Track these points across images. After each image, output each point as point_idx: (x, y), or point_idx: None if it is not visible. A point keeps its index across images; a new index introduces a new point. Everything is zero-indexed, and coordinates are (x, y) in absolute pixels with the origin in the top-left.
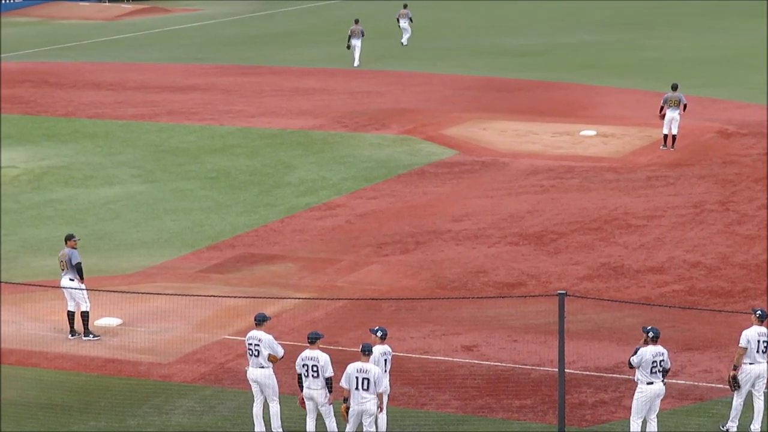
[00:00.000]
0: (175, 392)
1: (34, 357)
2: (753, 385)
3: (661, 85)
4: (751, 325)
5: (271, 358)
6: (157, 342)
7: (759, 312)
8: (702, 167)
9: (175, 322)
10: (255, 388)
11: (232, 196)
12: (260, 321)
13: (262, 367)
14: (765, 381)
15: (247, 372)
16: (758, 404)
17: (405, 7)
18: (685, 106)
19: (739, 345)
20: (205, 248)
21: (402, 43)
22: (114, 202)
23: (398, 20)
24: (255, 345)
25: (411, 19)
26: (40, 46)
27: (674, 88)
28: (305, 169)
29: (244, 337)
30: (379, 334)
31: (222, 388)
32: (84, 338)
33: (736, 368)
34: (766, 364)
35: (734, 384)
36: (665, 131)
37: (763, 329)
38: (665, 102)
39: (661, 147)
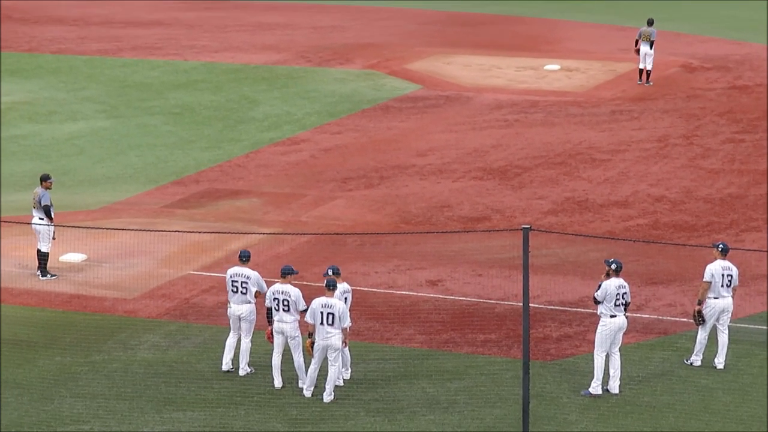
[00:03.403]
0: (140, 327)
1: None
2: (717, 319)
3: (624, 19)
4: (715, 259)
5: (256, 294)
6: (121, 277)
7: (721, 246)
8: (666, 101)
9: (139, 257)
10: (235, 323)
11: (196, 132)
12: (247, 258)
13: (249, 303)
14: (729, 315)
15: (230, 308)
16: (722, 338)
17: None
18: (652, 42)
19: (704, 279)
20: (170, 183)
21: None
22: (78, 138)
23: None
24: (243, 282)
25: None
26: None
27: (649, 23)
28: (269, 104)
29: (210, 272)
30: (330, 272)
31: (187, 323)
32: (42, 278)
33: (700, 303)
34: (730, 298)
35: (699, 318)
36: (640, 66)
37: (726, 263)
38: (639, 36)
39: (637, 82)
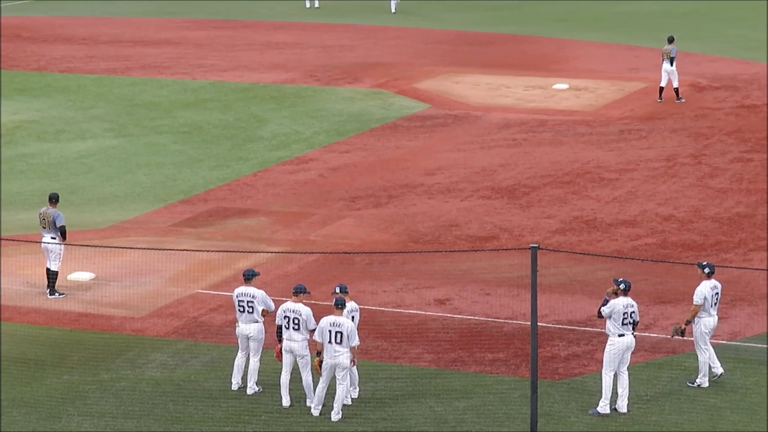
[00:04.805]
0: (148, 346)
1: (6, 311)
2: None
3: (633, 38)
4: (701, 280)
5: (263, 313)
6: (130, 296)
7: (708, 270)
8: (674, 120)
9: (148, 276)
10: (243, 343)
11: (205, 150)
12: (250, 277)
13: (256, 322)
14: (712, 333)
15: (238, 327)
16: (703, 357)
17: None
18: (672, 59)
19: (695, 303)
20: (178, 202)
21: (392, 11)
22: (86, 157)
23: None
24: (249, 301)
25: None
26: (11, 0)
27: (669, 41)
28: (278, 123)
29: (218, 291)
30: (338, 291)
31: (195, 341)
32: (50, 297)
33: (688, 323)
34: (716, 316)
35: (680, 335)
36: (661, 84)
37: (713, 282)
38: (662, 55)
39: (656, 100)
